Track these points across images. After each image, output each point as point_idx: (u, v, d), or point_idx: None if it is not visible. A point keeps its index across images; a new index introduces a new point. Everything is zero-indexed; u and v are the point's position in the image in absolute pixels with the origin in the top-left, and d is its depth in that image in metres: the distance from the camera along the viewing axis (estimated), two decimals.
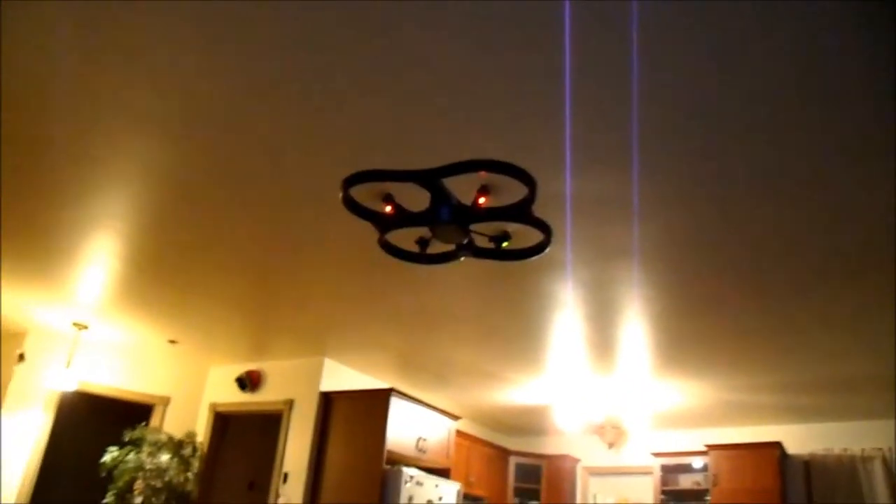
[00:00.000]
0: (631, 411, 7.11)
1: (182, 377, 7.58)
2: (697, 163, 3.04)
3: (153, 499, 6.77)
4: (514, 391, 7.22)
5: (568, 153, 3.03)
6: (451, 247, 3.76)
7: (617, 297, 4.62)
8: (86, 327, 6.63)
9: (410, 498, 5.91)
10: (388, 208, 3.56)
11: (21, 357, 6.97)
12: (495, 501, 8.28)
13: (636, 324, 5.11)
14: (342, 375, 6.81)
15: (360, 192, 3.43)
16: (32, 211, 4.26)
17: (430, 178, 3.25)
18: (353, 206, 3.50)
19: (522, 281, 4.45)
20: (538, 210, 3.37)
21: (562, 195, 3.36)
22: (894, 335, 4.81)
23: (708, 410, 7.44)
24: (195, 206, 3.99)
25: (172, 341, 6.80)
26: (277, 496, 6.39)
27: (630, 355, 5.83)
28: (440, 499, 6.25)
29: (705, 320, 4.95)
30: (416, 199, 3.35)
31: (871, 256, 3.76)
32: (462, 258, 3.82)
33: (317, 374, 6.63)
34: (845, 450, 7.41)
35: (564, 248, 3.91)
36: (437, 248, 3.77)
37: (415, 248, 3.84)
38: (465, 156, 3.10)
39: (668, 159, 3.03)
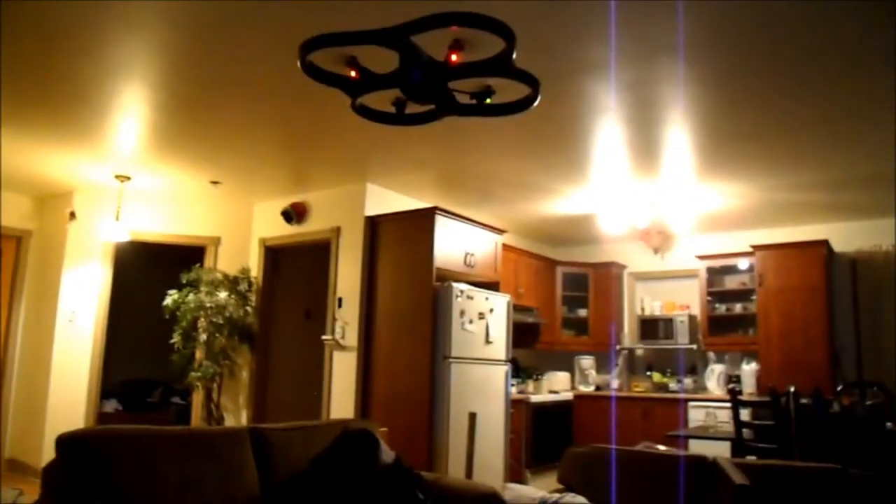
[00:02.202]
0: (676, 215, 7.10)
1: (229, 216, 7.72)
2: None
3: (216, 334, 7.10)
4: (558, 202, 7.21)
5: None
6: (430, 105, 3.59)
7: (661, 97, 4.46)
8: (128, 178, 6.72)
9: (462, 312, 6.07)
10: (353, 73, 3.39)
11: (72, 215, 7.17)
12: (545, 311, 8.52)
13: (680, 124, 4.97)
14: (386, 199, 6.84)
15: (323, 57, 3.24)
16: (56, 64, 4.23)
17: (395, 38, 3.02)
18: (314, 72, 3.31)
19: (563, 86, 4.29)
20: (521, 63, 3.15)
21: None
22: None
23: (753, 211, 7.38)
24: (218, 42, 3.88)
25: (215, 182, 6.84)
26: (334, 320, 6.63)
27: (674, 158, 5.72)
28: (491, 311, 6.42)
29: (751, 117, 4.78)
30: (387, 57, 3.16)
31: None
32: (444, 117, 3.66)
33: (360, 199, 6.67)
34: (893, 246, 7.38)
35: (608, 47, 3.72)
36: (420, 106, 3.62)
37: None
38: None
39: None
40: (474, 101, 3.68)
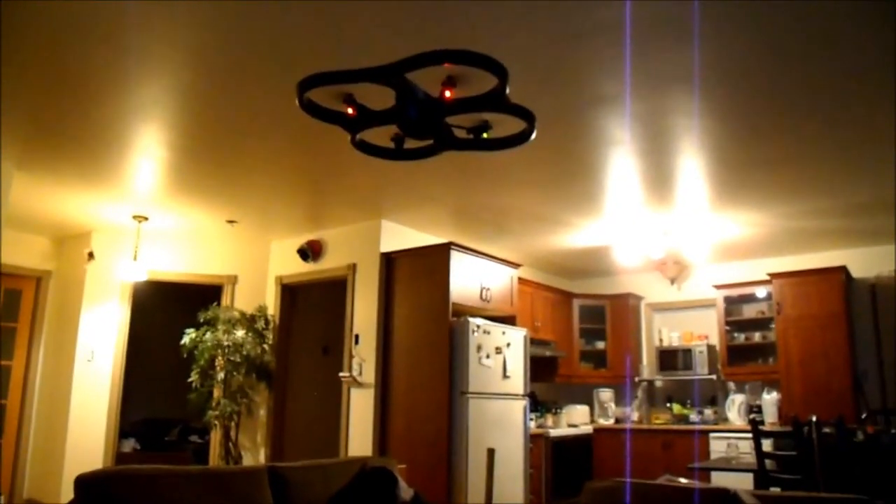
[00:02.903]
0: (692, 245, 7.07)
1: (246, 255, 7.77)
2: None
3: (234, 372, 7.11)
4: (573, 234, 7.21)
5: None
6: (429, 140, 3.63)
7: (674, 129, 4.48)
8: (146, 219, 6.80)
9: (479, 346, 6.07)
10: (350, 110, 3.44)
11: (90, 255, 7.24)
12: (562, 344, 8.48)
13: (694, 155, 4.97)
14: (401, 235, 6.88)
15: (322, 94, 3.30)
16: (74, 107, 4.32)
17: (389, 76, 3.07)
18: (313, 109, 3.36)
19: (575, 119, 4.32)
20: (512, 99, 3.19)
21: (618, 19, 3.14)
22: None
23: (770, 239, 7.35)
24: (234, 84, 3.95)
25: (231, 221, 6.91)
26: (351, 357, 6.63)
27: (689, 187, 5.71)
28: (508, 345, 6.40)
29: (766, 146, 4.78)
30: (384, 94, 3.20)
31: None
32: (442, 152, 3.69)
33: (376, 236, 6.71)
34: None
35: (621, 80, 3.74)
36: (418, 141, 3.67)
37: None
38: None
39: None
40: (471, 136, 3.71)
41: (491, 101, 3.24)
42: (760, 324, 7.99)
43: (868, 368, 7.22)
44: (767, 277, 7.71)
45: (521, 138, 3.53)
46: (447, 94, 3.30)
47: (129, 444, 8.81)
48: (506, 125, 3.64)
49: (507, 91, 3.16)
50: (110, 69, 3.75)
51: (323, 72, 3.13)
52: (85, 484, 2.77)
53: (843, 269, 7.34)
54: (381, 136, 3.77)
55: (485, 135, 3.72)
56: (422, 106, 3.25)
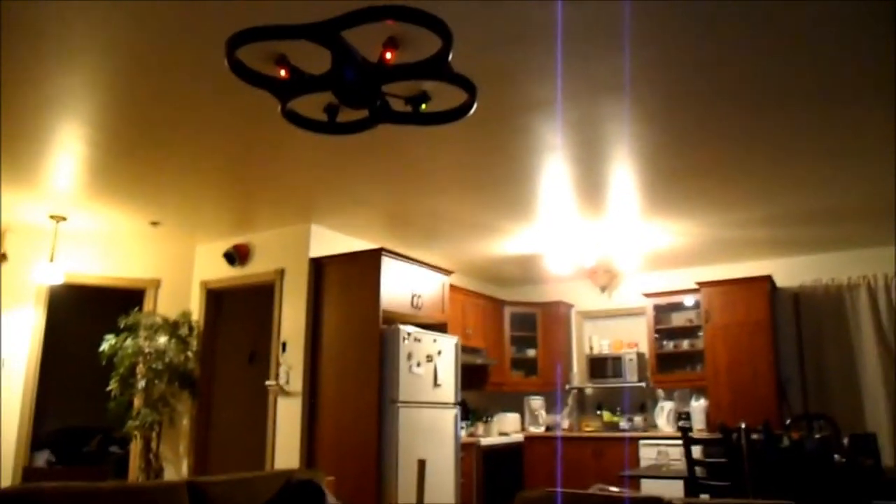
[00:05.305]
0: (622, 253, 7.13)
1: (169, 258, 7.51)
2: None
3: (156, 380, 6.85)
4: (505, 241, 7.20)
5: None
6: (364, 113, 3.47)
7: (606, 135, 4.50)
8: (64, 219, 6.50)
9: (410, 354, 5.98)
10: (283, 72, 3.27)
11: (3, 257, 6.90)
12: (493, 351, 8.45)
13: (626, 163, 5.02)
14: (331, 241, 6.75)
15: (252, 55, 3.09)
16: None
17: (326, 32, 2.90)
18: (242, 71, 3.16)
19: (508, 124, 4.29)
20: (459, 68, 3.07)
21: (551, 24, 3.11)
22: (892, 162, 4.79)
23: (699, 248, 7.49)
24: (158, 78, 3.77)
25: (154, 223, 6.67)
26: (279, 365, 6.46)
27: (620, 196, 5.76)
28: (439, 353, 6.34)
29: (696, 155, 4.86)
30: (320, 58, 3.04)
31: (867, 79, 3.67)
32: (377, 125, 3.58)
33: (305, 241, 6.57)
34: (833, 279, 7.55)
35: (554, 85, 3.72)
36: (352, 115, 3.49)
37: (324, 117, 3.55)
38: None
39: None
40: (409, 108, 3.58)
41: (433, 67, 3.11)
42: (689, 332, 8.11)
43: (791, 374, 7.41)
44: (696, 286, 7.84)
45: (461, 111, 3.41)
46: (388, 55, 3.17)
47: (43, 457, 8.41)
48: (445, 99, 3.52)
49: (451, 58, 3.05)
50: (24, 57, 3.52)
51: (254, 27, 2.95)
52: None
53: (768, 279, 7.53)
54: (313, 110, 3.61)
55: (423, 107, 3.58)
56: (360, 69, 3.10)
